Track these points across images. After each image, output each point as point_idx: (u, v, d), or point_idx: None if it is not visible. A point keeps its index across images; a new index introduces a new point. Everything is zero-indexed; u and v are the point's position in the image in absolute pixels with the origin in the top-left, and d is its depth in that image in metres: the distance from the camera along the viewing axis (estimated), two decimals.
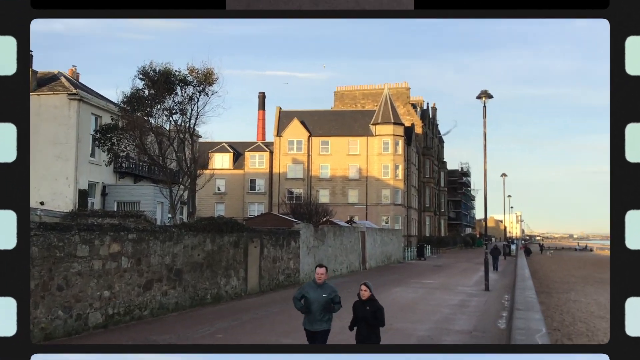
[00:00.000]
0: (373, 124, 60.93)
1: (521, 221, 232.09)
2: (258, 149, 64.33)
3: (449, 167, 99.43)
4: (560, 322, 17.80)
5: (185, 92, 22.73)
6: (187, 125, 23.24)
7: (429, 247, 55.09)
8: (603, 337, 15.58)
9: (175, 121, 23.20)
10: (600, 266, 56.31)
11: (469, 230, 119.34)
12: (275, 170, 61.70)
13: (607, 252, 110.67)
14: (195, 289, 16.66)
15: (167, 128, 23.53)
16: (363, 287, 7.88)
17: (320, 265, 8.32)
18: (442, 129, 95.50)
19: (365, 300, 7.81)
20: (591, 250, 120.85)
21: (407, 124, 68.16)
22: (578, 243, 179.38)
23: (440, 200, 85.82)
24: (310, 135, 61.29)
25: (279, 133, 61.95)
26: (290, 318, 14.42)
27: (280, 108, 64.27)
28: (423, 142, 75.18)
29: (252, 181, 62.93)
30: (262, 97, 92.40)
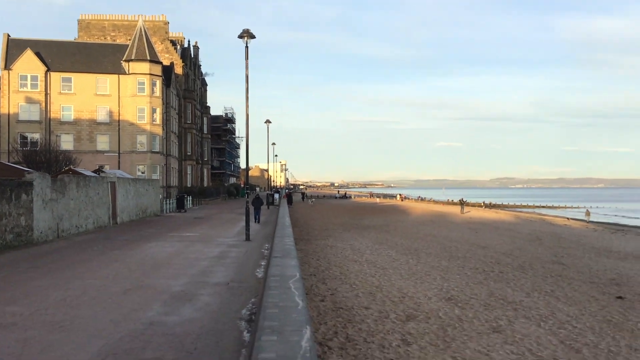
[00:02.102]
0: (126, 61, 57.65)
1: (286, 170, 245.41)
2: None
3: (213, 112, 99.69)
4: (317, 268, 19.37)
5: None
6: None
7: (190, 198, 55.06)
8: (355, 279, 17.40)
9: None
10: (355, 213, 62.71)
11: (233, 180, 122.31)
12: (4, 110, 54.90)
13: (364, 200, 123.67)
14: None
15: None
16: None
17: None
18: (205, 70, 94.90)
19: None
20: (350, 197, 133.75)
21: (166, 62, 66.09)
22: (338, 191, 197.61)
23: (204, 148, 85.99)
24: (48, 70, 55.60)
25: (7, 66, 54.96)
26: (16, 284, 13.16)
27: (9, 35, 56.87)
28: (184, 84, 73.85)
29: None
30: None
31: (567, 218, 66.87)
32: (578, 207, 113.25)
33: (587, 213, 62.12)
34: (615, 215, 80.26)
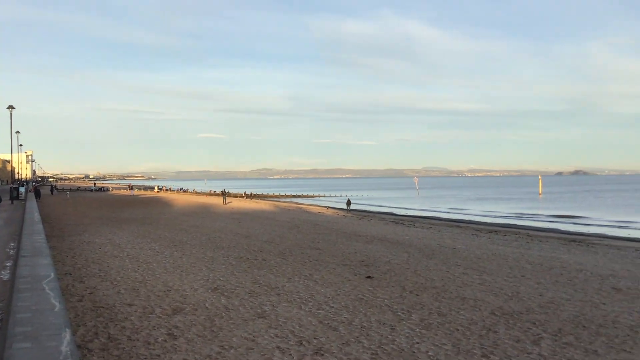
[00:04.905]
0: None
1: (32, 161, 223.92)
2: None
3: None
4: (72, 266, 18.00)
5: None
6: None
7: None
8: (116, 275, 16.53)
9: None
10: (114, 206, 59.77)
11: None
12: None
13: (123, 192, 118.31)
14: None
15: None
16: None
17: None
18: None
19: None
20: (108, 190, 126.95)
21: None
22: (95, 183, 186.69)
23: None
24: None
25: None
26: None
27: None
28: None
29: None
30: None
31: (328, 207, 71.69)
32: (331, 196, 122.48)
33: (348, 202, 67.29)
34: (360, 203, 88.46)
